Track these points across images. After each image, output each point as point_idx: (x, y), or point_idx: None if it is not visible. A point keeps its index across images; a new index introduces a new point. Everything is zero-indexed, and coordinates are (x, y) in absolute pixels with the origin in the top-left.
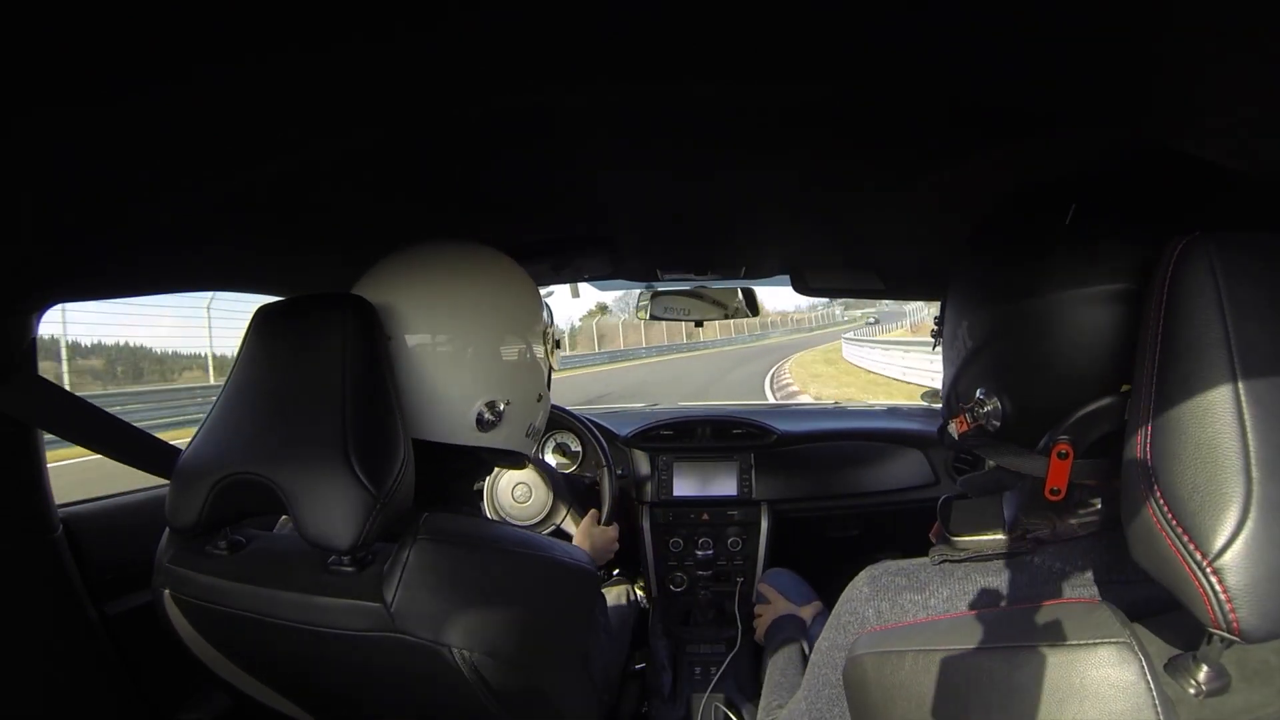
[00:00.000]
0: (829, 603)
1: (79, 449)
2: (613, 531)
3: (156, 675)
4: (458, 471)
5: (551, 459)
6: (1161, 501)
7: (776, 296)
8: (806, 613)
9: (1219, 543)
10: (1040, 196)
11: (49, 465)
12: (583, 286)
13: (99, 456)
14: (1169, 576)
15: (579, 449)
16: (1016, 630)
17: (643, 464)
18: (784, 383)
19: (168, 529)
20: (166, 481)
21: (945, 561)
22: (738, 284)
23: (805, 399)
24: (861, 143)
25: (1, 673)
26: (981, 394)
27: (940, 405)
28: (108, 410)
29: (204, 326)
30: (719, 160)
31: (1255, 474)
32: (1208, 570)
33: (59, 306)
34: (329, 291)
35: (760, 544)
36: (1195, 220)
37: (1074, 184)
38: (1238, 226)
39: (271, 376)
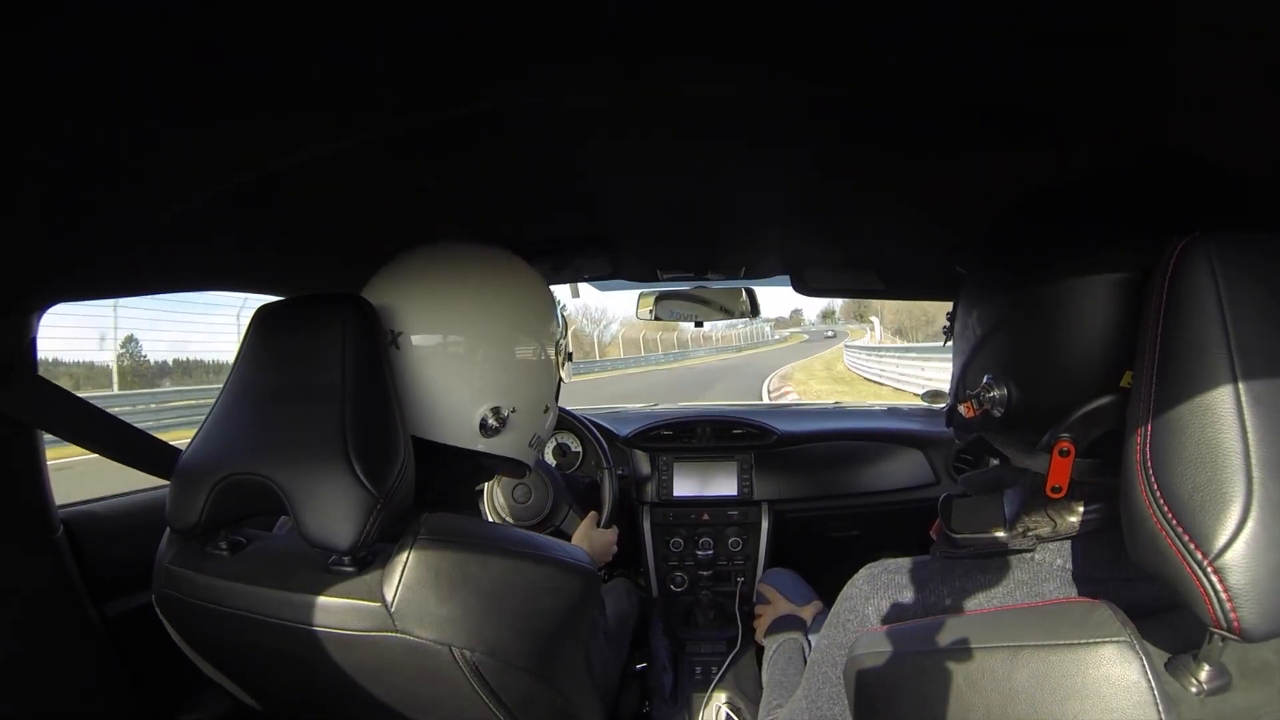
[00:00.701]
0: (829, 603)
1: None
2: (611, 534)
3: (156, 676)
4: (459, 474)
5: (551, 459)
6: (1161, 501)
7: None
8: (807, 613)
9: (1220, 542)
10: (1054, 193)
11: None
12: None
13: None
14: (1169, 576)
15: (579, 449)
16: (1017, 630)
17: (643, 464)
18: None
19: (168, 529)
20: (167, 482)
21: (947, 559)
22: (738, 284)
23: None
24: (862, 142)
25: (2, 673)
26: (989, 379)
27: (941, 405)
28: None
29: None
30: (719, 160)
31: (1256, 473)
32: (1208, 569)
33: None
34: (329, 291)
35: (760, 544)
36: (1198, 220)
37: (1086, 182)
38: (1238, 227)
39: (272, 376)
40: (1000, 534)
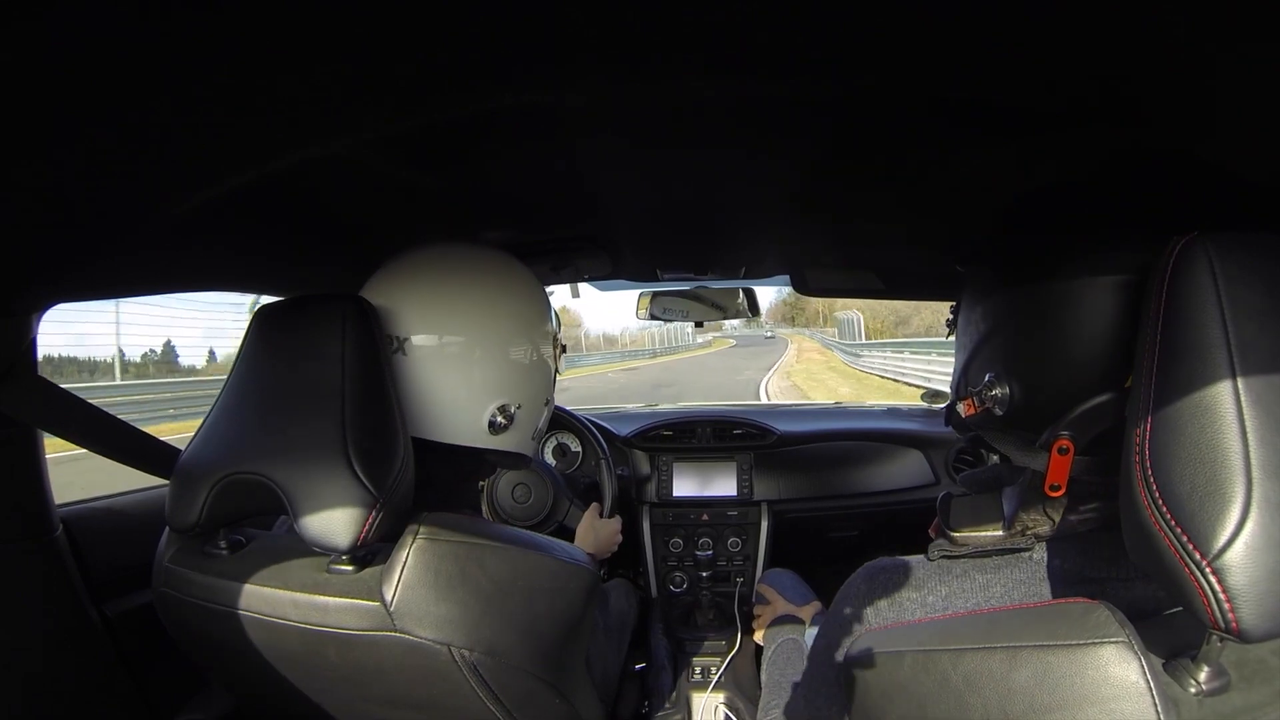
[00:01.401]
0: (828, 603)
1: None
2: (616, 523)
3: (157, 675)
4: (466, 472)
5: (551, 459)
6: (1160, 501)
7: (601, 316)
8: (806, 613)
9: (1219, 543)
10: (1058, 192)
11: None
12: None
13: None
14: (1166, 576)
15: (579, 449)
16: (1015, 630)
17: (643, 464)
18: None
19: (168, 529)
20: (166, 481)
21: (944, 557)
22: (738, 284)
23: None
24: (861, 142)
25: (2, 673)
26: (991, 377)
27: (940, 405)
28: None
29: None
30: (719, 160)
31: (1255, 474)
32: (1207, 570)
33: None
34: (329, 291)
35: (760, 544)
36: (1198, 220)
37: (1090, 182)
38: (1238, 227)
39: (271, 376)
40: (999, 533)
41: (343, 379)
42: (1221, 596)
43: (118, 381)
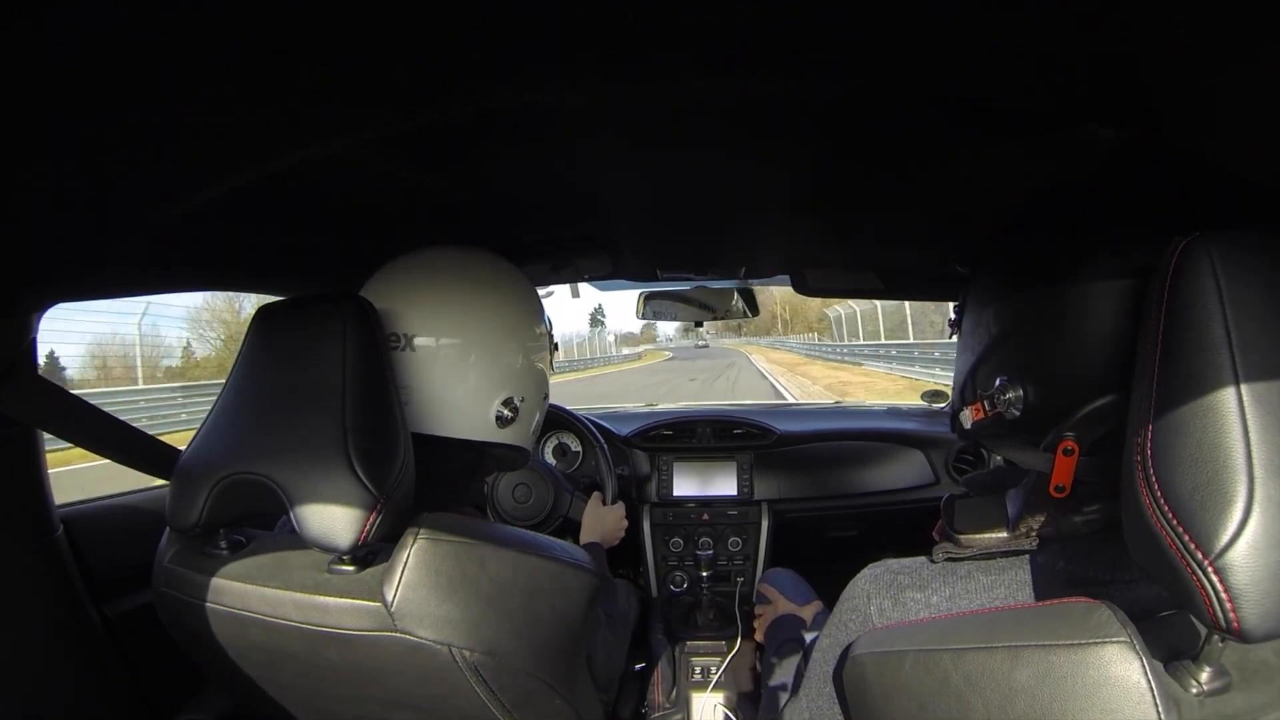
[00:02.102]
0: (829, 603)
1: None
2: (619, 509)
3: (157, 675)
4: (469, 469)
5: (551, 459)
6: (1161, 501)
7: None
8: (807, 613)
9: (1220, 542)
10: (1063, 192)
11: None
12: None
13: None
14: (1168, 576)
15: (579, 449)
16: (1017, 630)
17: (643, 464)
18: None
19: (168, 529)
20: (167, 481)
21: (949, 559)
22: (738, 284)
23: None
24: (863, 142)
25: (2, 673)
26: (1003, 381)
27: (941, 405)
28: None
29: None
30: (719, 160)
31: (1257, 474)
32: (1209, 570)
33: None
34: (329, 291)
35: (760, 544)
36: (1201, 221)
37: (1095, 182)
38: (1239, 227)
39: (272, 376)
40: (1003, 534)
41: (343, 379)
42: (1223, 596)
43: None
